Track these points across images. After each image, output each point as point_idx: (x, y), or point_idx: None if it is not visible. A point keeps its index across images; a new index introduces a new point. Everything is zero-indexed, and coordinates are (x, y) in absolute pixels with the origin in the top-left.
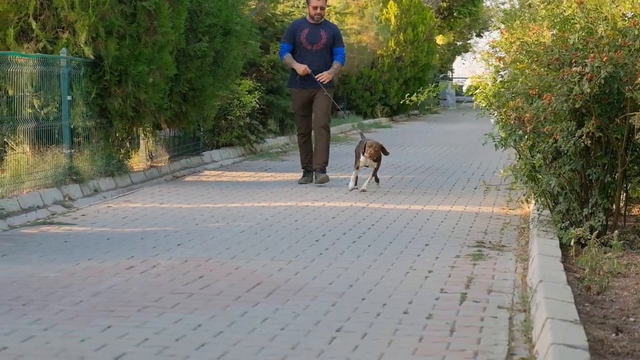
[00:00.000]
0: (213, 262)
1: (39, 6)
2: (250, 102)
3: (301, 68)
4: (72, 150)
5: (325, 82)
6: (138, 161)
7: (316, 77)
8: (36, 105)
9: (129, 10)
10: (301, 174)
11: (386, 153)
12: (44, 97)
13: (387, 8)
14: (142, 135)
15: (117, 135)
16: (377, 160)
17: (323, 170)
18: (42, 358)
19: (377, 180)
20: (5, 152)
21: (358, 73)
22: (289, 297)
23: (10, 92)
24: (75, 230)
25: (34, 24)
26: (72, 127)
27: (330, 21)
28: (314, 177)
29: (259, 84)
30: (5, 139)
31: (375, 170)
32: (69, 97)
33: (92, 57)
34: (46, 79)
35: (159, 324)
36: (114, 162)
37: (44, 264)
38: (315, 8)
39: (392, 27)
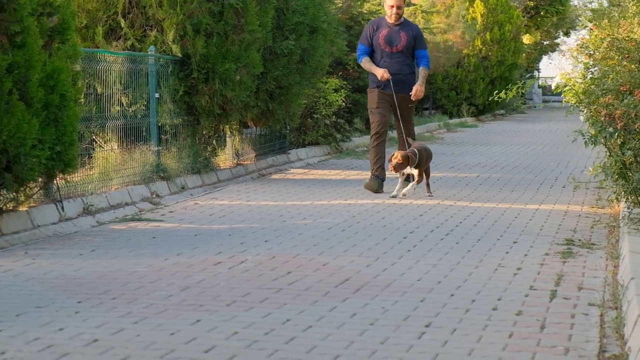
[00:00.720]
0: (301, 258)
1: (128, 4)
2: (337, 100)
3: (380, 72)
4: (160, 148)
5: (420, 97)
6: (224, 159)
7: (410, 96)
8: (124, 103)
9: (217, 9)
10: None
11: (413, 164)
12: (132, 95)
13: (474, 7)
14: (229, 133)
15: (204, 132)
16: (415, 166)
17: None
18: (132, 350)
19: (427, 189)
20: (94, 149)
21: (444, 72)
22: (378, 293)
23: (99, 90)
24: (163, 226)
25: (122, 22)
26: (159, 124)
27: (412, 21)
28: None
29: (345, 83)
30: (93, 137)
31: (420, 177)
32: (156, 95)
33: (179, 55)
34: (134, 77)
35: (248, 318)
36: (200, 160)
37: (132, 259)
38: (391, 7)
39: (478, 26)
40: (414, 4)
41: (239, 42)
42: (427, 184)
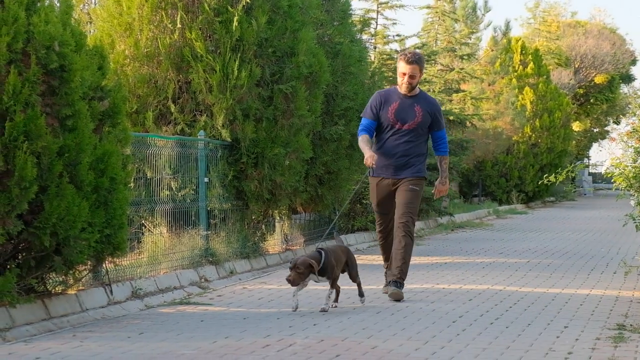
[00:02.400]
0: (349, 341)
1: (178, 90)
2: None
3: (366, 155)
4: (209, 232)
5: (444, 194)
6: (273, 244)
7: (433, 192)
8: (174, 187)
9: (266, 94)
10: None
11: (315, 271)
12: (181, 179)
13: (523, 94)
14: (278, 218)
15: (252, 217)
16: (320, 273)
17: (398, 284)
18: None
19: (359, 293)
20: (143, 233)
21: (493, 159)
22: None
23: (149, 174)
24: (212, 310)
25: (172, 107)
26: (208, 209)
27: (461, 108)
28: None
29: None
30: (143, 221)
31: (333, 286)
32: (206, 179)
33: (229, 139)
34: (184, 161)
35: None
36: (249, 245)
37: (181, 342)
38: (402, 75)
39: (527, 112)
40: (464, 91)
41: (288, 126)
42: (337, 294)
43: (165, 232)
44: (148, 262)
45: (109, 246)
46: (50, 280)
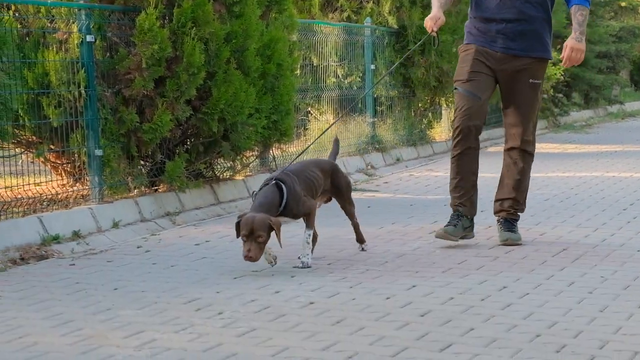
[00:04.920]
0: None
1: None
2: (555, 74)
3: (433, 11)
4: (375, 120)
5: (577, 62)
6: (440, 132)
7: (561, 58)
8: (340, 75)
9: None
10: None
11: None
12: (347, 66)
13: None
14: (445, 105)
15: (419, 105)
16: (293, 214)
17: (511, 225)
18: (348, 313)
19: (357, 237)
20: (309, 121)
21: None
22: (596, 263)
23: (315, 61)
24: (378, 196)
25: None
26: (375, 96)
27: None
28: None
29: None
30: (309, 108)
31: (310, 220)
32: (372, 67)
33: (395, 26)
34: (350, 48)
35: (464, 285)
36: (416, 132)
37: (347, 227)
38: None
39: None
40: None
41: (455, 13)
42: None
43: (332, 119)
44: (314, 149)
45: (276, 132)
46: (218, 166)
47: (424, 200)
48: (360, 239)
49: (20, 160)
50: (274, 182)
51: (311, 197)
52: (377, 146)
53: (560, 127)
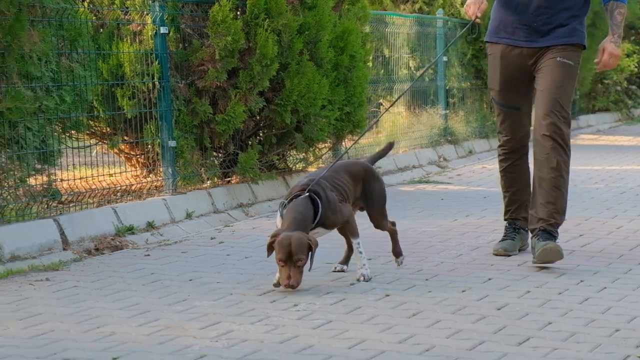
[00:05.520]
0: (593, 221)
1: None
2: (628, 66)
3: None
4: (447, 112)
5: (612, 66)
6: None
7: (596, 63)
8: (412, 66)
9: None
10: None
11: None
12: (419, 58)
13: None
14: None
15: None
16: (327, 224)
17: (550, 234)
18: (424, 306)
19: (394, 249)
20: (381, 112)
21: None
22: None
23: (387, 53)
24: (451, 189)
25: None
26: (447, 88)
27: None
28: (530, 242)
29: (638, 47)
30: (381, 100)
31: (351, 230)
32: (444, 58)
33: (467, 18)
34: (422, 40)
35: (540, 278)
36: (488, 124)
37: (421, 219)
38: None
39: None
40: None
41: None
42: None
43: (403, 111)
44: (386, 141)
45: (349, 124)
46: (291, 158)
47: (497, 193)
48: (396, 251)
49: (95, 152)
50: (306, 194)
51: (344, 203)
52: (449, 138)
53: (635, 119)
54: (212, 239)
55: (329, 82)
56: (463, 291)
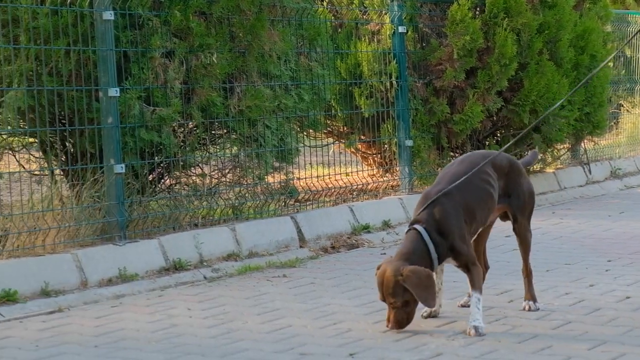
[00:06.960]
0: None
1: None
2: None
3: None
4: None
5: None
6: None
7: None
8: None
9: None
10: None
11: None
12: None
13: None
14: None
15: None
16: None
17: None
18: None
19: (527, 294)
20: (621, 113)
21: None
22: None
23: (628, 53)
24: None
25: None
26: None
27: None
28: None
29: None
30: (621, 101)
31: (469, 265)
32: None
33: None
34: None
35: None
36: None
37: None
38: None
39: None
40: None
41: None
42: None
43: None
44: (627, 142)
45: (588, 125)
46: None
47: None
48: (528, 295)
49: (332, 150)
50: (411, 228)
51: (486, 216)
52: None
53: None
54: None
55: (569, 82)
56: None
